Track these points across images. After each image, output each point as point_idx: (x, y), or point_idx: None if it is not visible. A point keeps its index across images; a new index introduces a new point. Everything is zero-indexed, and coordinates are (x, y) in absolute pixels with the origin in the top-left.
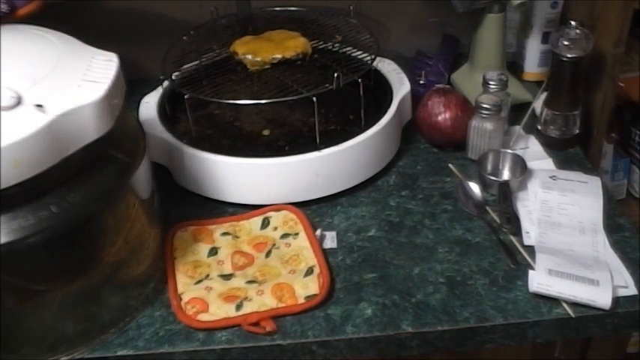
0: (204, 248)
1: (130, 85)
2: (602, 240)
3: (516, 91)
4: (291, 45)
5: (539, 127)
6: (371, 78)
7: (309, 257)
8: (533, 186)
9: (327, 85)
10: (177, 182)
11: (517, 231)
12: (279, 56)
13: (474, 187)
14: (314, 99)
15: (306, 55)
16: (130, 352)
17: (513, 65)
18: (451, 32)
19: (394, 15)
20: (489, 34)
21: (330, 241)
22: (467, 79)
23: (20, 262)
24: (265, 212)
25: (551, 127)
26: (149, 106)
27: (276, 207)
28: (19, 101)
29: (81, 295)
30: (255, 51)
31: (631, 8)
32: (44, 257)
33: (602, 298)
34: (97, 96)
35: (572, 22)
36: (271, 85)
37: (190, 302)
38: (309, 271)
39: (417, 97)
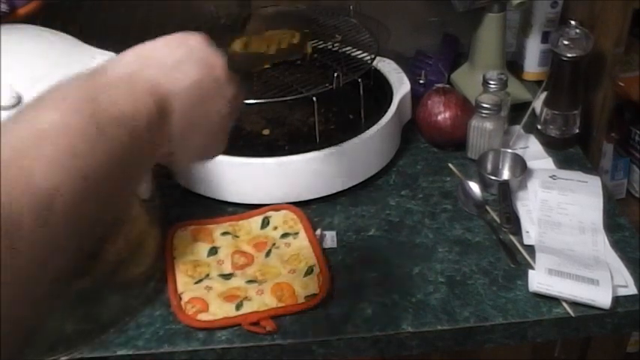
0: (204, 248)
1: None
2: (602, 239)
3: (516, 90)
4: None
5: (539, 127)
6: (371, 78)
7: (309, 257)
8: (533, 185)
9: (327, 85)
10: (177, 182)
11: (517, 230)
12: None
13: (474, 187)
14: (314, 99)
15: (305, 54)
16: (130, 352)
17: (513, 65)
18: (451, 32)
19: (394, 15)
20: (489, 34)
21: (330, 240)
22: (467, 79)
23: None
24: (265, 212)
25: (551, 127)
26: None
27: (276, 206)
28: (19, 100)
29: (81, 295)
30: (255, 47)
31: (631, 8)
32: None
33: (602, 298)
34: None
35: (572, 22)
36: (271, 84)
37: (190, 302)
38: (309, 271)
39: (416, 96)
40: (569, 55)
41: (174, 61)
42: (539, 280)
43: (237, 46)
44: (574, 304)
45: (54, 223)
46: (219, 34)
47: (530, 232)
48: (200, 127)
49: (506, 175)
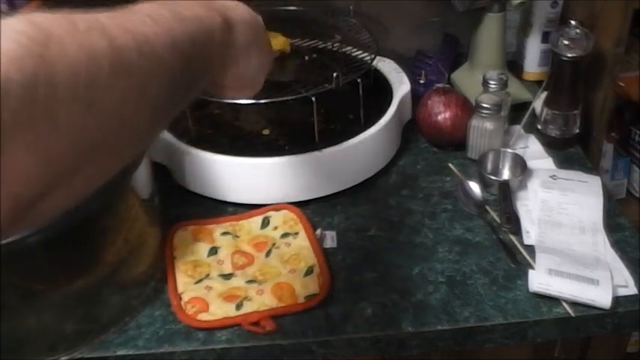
0: (204, 248)
1: None
2: (602, 239)
3: (516, 90)
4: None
5: (539, 127)
6: (371, 78)
7: (309, 257)
8: (534, 185)
9: (326, 85)
10: (177, 182)
11: (517, 230)
12: None
13: (474, 187)
14: (313, 99)
15: (284, 53)
16: (130, 352)
17: (513, 65)
18: (451, 32)
19: (394, 15)
20: (489, 34)
21: (330, 240)
22: (467, 79)
23: (20, 262)
24: (265, 212)
25: (551, 127)
26: None
27: (276, 206)
28: None
29: (81, 295)
30: None
31: (631, 8)
32: (44, 257)
33: (602, 298)
34: None
35: (572, 22)
36: (271, 84)
37: (190, 302)
38: (309, 271)
39: (417, 96)
40: (569, 55)
41: (232, 4)
42: (540, 280)
43: None
44: (574, 304)
45: (153, 59)
46: None
47: (531, 232)
48: (255, 50)
49: (506, 175)
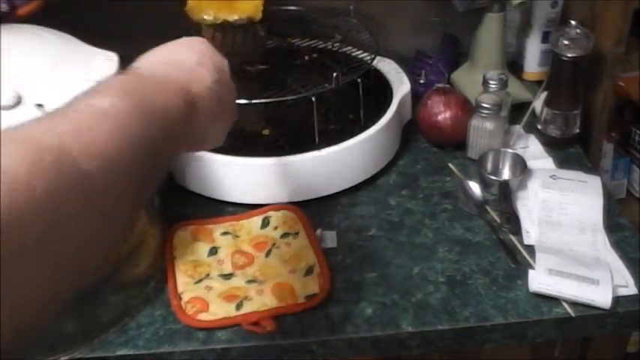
0: (204, 248)
1: None
2: (603, 239)
3: (516, 90)
4: (238, 7)
5: (539, 127)
6: (371, 78)
7: (310, 257)
8: (534, 185)
9: (326, 85)
10: (177, 182)
11: (517, 230)
12: (221, 18)
13: (474, 187)
14: (313, 99)
15: (252, 20)
16: (130, 352)
17: (513, 65)
18: (451, 32)
19: (394, 15)
20: (489, 34)
21: (330, 240)
22: (467, 79)
23: None
24: (265, 212)
25: (552, 127)
26: None
27: (276, 206)
28: (19, 101)
29: (81, 295)
30: (203, 7)
31: (631, 8)
32: None
33: (602, 298)
34: None
35: (573, 22)
36: (271, 84)
37: (190, 302)
38: (310, 271)
39: (417, 96)
40: (569, 55)
41: (193, 64)
42: (540, 280)
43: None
44: (574, 304)
45: (116, 179)
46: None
47: (531, 232)
48: (220, 117)
49: (506, 175)
